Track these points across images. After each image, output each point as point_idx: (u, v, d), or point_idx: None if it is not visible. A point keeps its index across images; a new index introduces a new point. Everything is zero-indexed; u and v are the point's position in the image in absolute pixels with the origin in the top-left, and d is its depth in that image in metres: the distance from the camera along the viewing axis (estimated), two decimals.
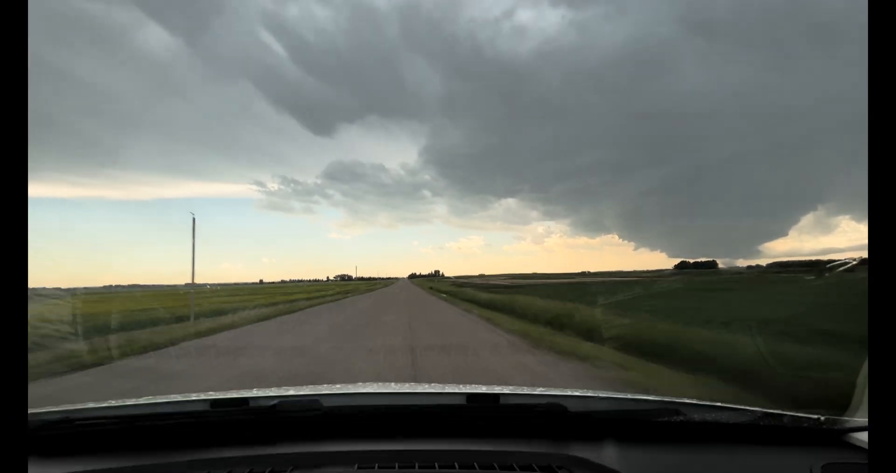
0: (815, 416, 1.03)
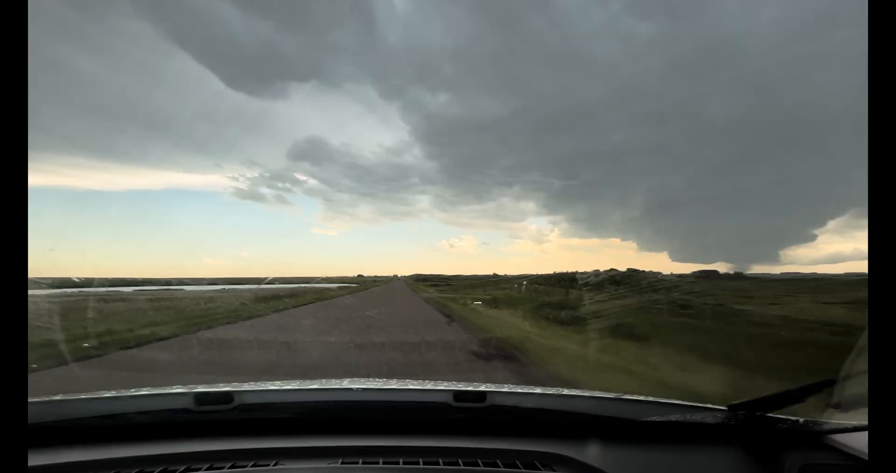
0: (795, 417, 1.04)
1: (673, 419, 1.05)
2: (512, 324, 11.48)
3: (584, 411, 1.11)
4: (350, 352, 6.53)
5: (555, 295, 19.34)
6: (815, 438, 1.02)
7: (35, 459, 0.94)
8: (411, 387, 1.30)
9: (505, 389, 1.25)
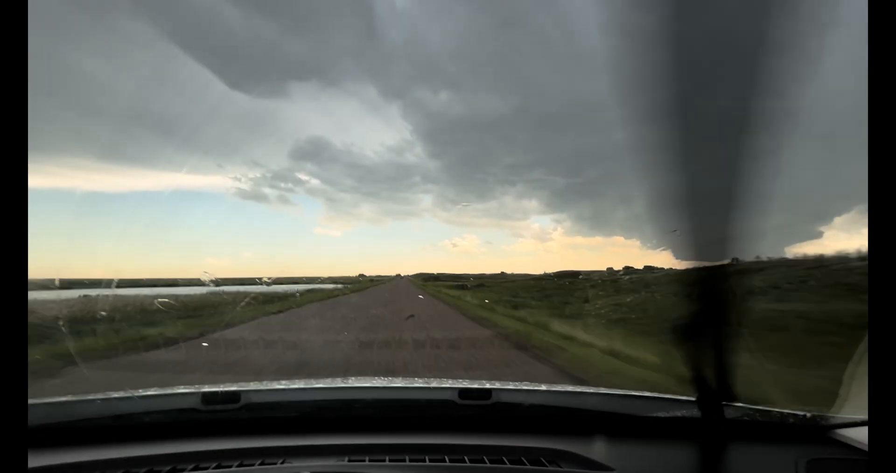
0: (802, 412, 1.05)
1: (679, 414, 1.06)
2: None
3: (590, 407, 1.12)
4: None
5: None
6: (823, 432, 1.02)
7: (44, 459, 0.95)
8: (416, 385, 1.30)
9: (510, 386, 1.25)
